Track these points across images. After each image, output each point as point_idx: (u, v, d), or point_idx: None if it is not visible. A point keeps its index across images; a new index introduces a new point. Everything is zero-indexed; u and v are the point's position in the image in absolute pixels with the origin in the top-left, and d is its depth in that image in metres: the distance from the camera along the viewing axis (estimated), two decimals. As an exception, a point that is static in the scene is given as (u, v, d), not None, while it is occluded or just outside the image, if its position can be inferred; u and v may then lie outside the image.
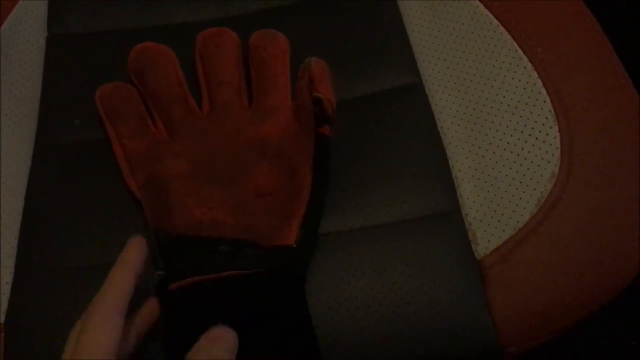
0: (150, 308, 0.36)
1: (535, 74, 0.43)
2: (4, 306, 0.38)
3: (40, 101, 0.45)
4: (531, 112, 0.42)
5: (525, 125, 0.42)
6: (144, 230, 0.39)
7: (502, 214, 0.40)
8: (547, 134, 0.42)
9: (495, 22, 0.46)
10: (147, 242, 0.35)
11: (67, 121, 0.44)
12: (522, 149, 0.41)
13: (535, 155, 0.41)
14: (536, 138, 0.42)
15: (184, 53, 0.45)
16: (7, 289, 0.39)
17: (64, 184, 0.42)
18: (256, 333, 0.35)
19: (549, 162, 0.41)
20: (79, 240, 0.40)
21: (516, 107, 0.43)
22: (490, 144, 0.42)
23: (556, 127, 0.42)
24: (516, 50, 0.44)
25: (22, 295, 0.39)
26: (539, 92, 0.43)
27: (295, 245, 0.37)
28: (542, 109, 0.42)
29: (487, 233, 0.40)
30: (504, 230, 0.39)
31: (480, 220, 0.40)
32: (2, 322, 0.38)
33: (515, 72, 0.44)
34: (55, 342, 0.37)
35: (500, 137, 0.42)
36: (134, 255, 0.33)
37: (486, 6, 0.47)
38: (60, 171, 0.42)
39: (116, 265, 0.33)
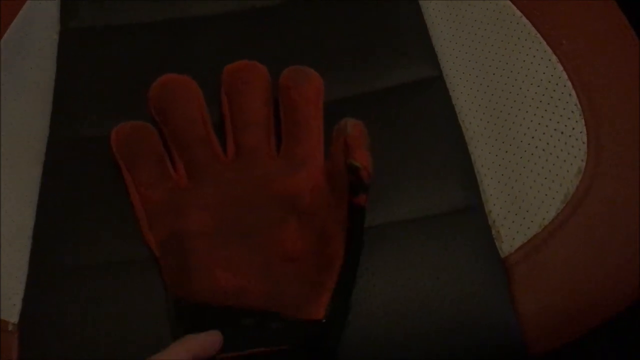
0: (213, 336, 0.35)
1: (560, 67, 0.43)
2: (18, 306, 0.38)
3: (53, 96, 0.45)
4: (556, 106, 0.42)
5: (550, 119, 0.41)
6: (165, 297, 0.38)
7: (527, 211, 0.39)
8: (573, 128, 0.41)
9: (518, 13, 0.45)
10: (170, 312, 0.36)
11: (81, 116, 0.43)
12: (548, 143, 0.41)
13: (561, 150, 0.40)
14: (562, 132, 0.41)
15: (200, 48, 0.45)
16: (20, 289, 0.38)
17: (77, 181, 0.41)
18: None
19: (575, 156, 0.40)
20: (95, 238, 0.39)
21: (540, 101, 0.42)
22: (514, 138, 0.41)
23: (582, 121, 0.41)
24: (540, 43, 0.44)
25: (36, 295, 0.38)
26: (564, 85, 0.42)
27: (324, 320, 0.35)
28: (567, 102, 0.42)
29: (512, 230, 0.39)
30: (529, 227, 0.39)
31: (505, 217, 0.39)
32: (16, 322, 0.37)
33: (539, 64, 0.43)
34: (69, 341, 0.36)
35: (525, 131, 0.41)
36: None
37: (508, -3, 0.46)
38: (74, 167, 0.42)
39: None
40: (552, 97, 0.42)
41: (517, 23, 0.45)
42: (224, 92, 0.42)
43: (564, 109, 0.41)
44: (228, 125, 0.41)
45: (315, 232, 0.37)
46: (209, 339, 0.34)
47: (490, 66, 0.44)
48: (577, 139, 0.40)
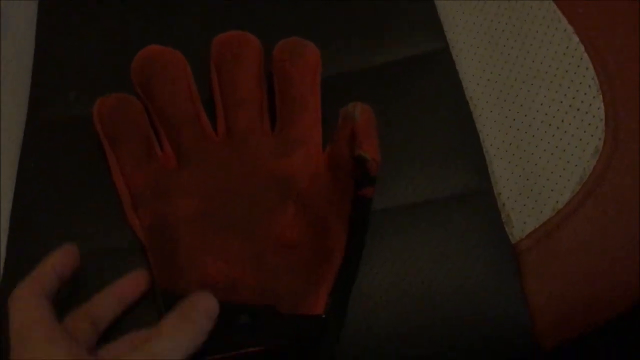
0: (136, 278, 0.35)
1: (577, 38, 0.41)
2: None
3: (32, 71, 0.43)
4: (572, 81, 0.40)
5: (565, 95, 0.40)
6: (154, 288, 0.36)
7: (540, 194, 0.37)
8: (590, 105, 0.39)
9: (531, -21, 0.43)
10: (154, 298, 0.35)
11: (61, 94, 0.42)
12: (562, 121, 0.39)
13: (577, 128, 0.39)
14: (578, 109, 0.39)
15: (191, 20, 0.43)
16: (-3, 278, 0.37)
17: (57, 165, 0.40)
18: None
19: (592, 135, 0.38)
20: (75, 226, 0.38)
21: (555, 75, 0.40)
22: (526, 115, 0.39)
23: (600, 97, 0.39)
24: (555, 11, 0.42)
25: (13, 286, 0.35)
26: (581, 58, 0.40)
27: (324, 316, 0.33)
28: (584, 76, 0.40)
29: (523, 214, 0.37)
30: (541, 212, 0.37)
31: (515, 201, 0.38)
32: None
33: (554, 35, 0.41)
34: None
35: (537, 108, 0.40)
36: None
37: (520, -38, 0.44)
38: (53, 150, 0.40)
39: None
40: (567, 71, 0.40)
41: (529, -11, 0.43)
42: (213, 66, 0.40)
43: (580, 83, 0.40)
44: (218, 102, 0.39)
45: (314, 219, 0.35)
46: (67, 250, 0.33)
47: (500, 37, 0.42)
48: (594, 117, 0.39)
